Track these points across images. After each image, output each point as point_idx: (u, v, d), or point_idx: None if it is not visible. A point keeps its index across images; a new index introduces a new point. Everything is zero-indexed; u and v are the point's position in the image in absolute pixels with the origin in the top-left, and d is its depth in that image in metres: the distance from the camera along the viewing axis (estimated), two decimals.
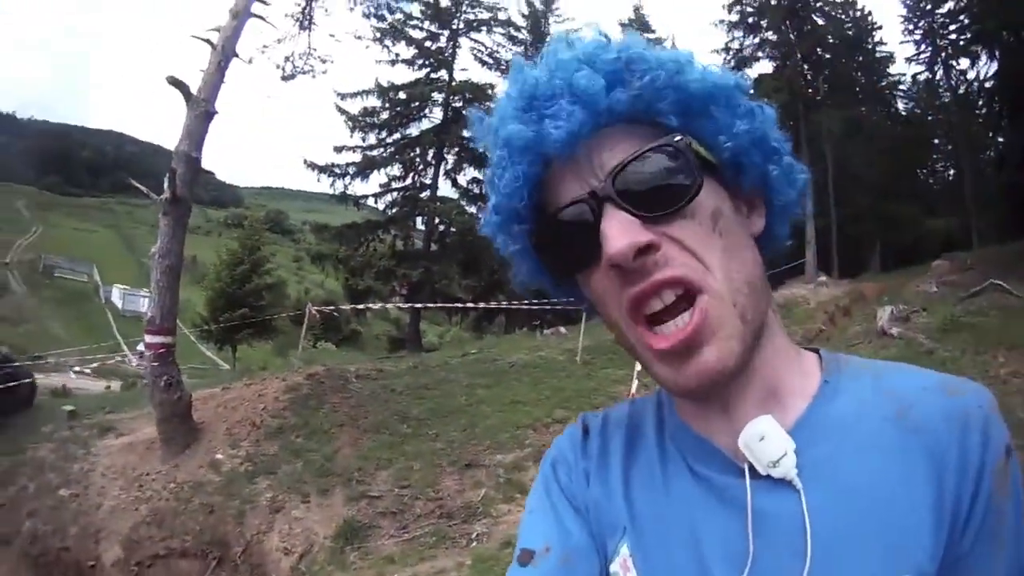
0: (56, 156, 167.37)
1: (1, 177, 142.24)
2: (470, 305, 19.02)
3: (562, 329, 17.65)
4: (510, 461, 8.91)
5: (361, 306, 22.47)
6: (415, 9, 26.93)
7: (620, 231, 0.64)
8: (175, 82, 9.74)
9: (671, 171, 0.66)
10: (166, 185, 9.44)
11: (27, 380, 11.85)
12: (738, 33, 28.57)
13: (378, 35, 25.95)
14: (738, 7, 27.81)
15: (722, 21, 28.24)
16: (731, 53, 29.01)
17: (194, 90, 9.95)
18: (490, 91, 26.98)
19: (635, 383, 5.81)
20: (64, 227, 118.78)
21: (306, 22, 14.32)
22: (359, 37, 24.01)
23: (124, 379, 21.59)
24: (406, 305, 22.97)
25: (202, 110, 9.87)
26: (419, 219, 27.41)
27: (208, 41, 10.36)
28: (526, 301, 16.31)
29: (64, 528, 8.23)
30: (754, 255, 0.73)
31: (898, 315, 13.02)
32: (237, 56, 10.59)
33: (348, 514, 7.97)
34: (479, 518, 7.78)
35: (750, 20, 28.14)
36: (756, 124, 0.71)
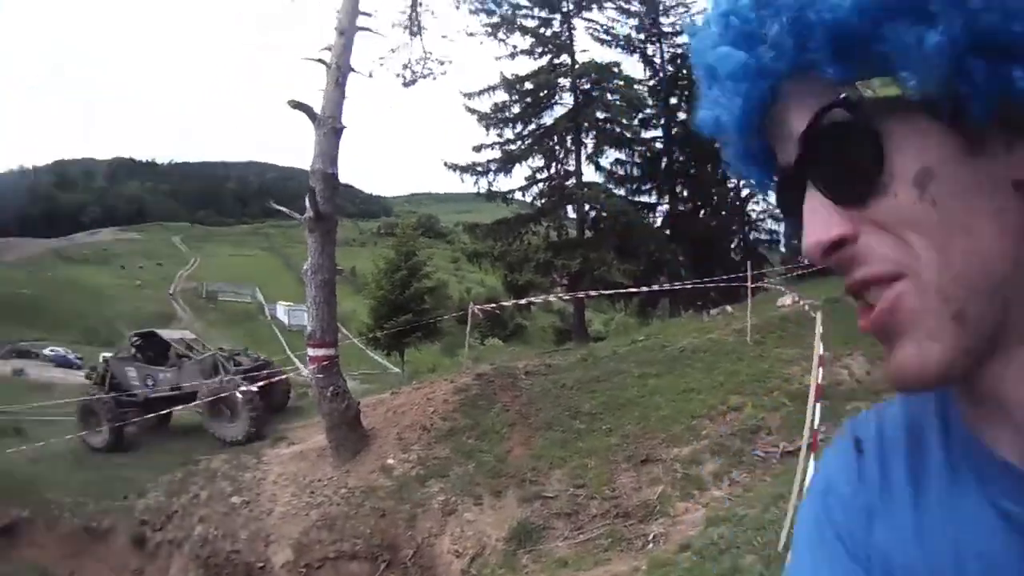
0: (203, 192, 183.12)
1: (154, 219, 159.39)
2: (632, 289, 18.24)
3: (729, 308, 16.56)
4: (687, 455, 8.20)
5: (523, 300, 22.29)
6: None
7: (811, 222, 0.51)
8: (298, 105, 9.96)
9: (848, 134, 0.49)
10: (308, 204, 9.76)
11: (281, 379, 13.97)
12: None
13: (490, 30, 25.49)
14: None
15: None
16: None
17: (318, 110, 10.18)
18: (616, 68, 26.13)
19: (817, 366, 4.94)
20: (221, 255, 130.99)
21: (415, 28, 14.30)
22: (472, 34, 23.88)
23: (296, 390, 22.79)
24: (567, 296, 22.47)
25: (329, 127, 10.12)
26: (569, 208, 26.71)
27: (322, 61, 10.57)
28: (688, 281, 15.40)
29: (234, 532, 8.60)
30: (1005, 224, 0.46)
31: None
32: (353, 70, 10.79)
33: (521, 515, 7.69)
34: (656, 517, 7.20)
35: None
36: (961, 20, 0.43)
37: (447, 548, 7.63)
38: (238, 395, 11.73)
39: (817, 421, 5.12)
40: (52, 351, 60.53)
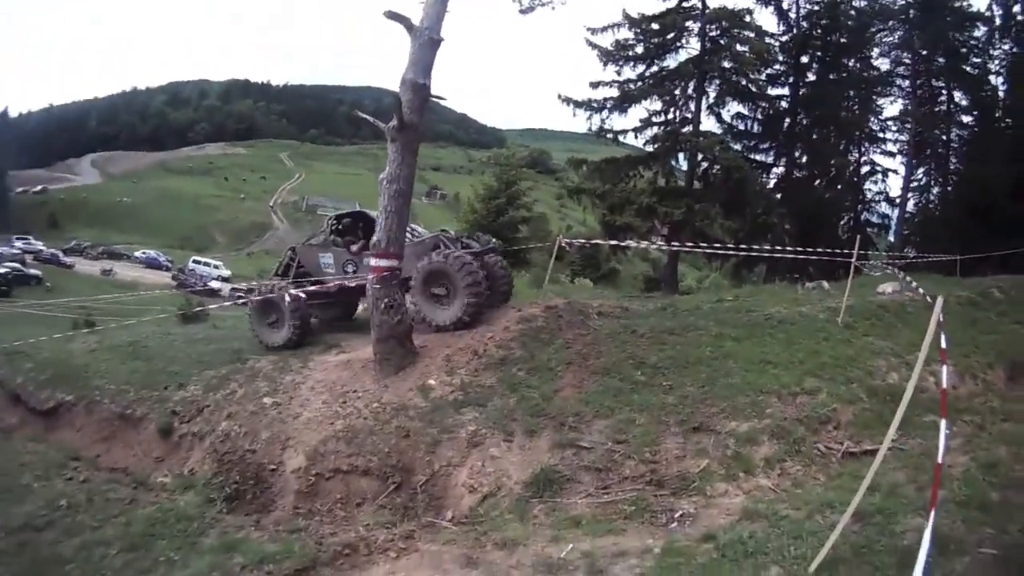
0: (316, 113, 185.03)
1: (264, 136, 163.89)
2: (730, 249, 17.17)
3: (825, 284, 15.36)
4: (744, 431, 7.35)
5: (614, 242, 21.52)
6: None
7: None
8: (394, 15, 9.57)
9: None
10: (394, 112, 9.41)
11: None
12: None
13: None
14: None
15: None
16: None
17: (416, 21, 9.79)
18: (748, 17, 24.43)
19: (920, 362, 4.05)
20: (327, 173, 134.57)
21: None
22: None
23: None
24: (663, 245, 21.54)
25: (426, 38, 9.73)
26: (681, 156, 25.56)
27: None
28: (790, 249, 14.24)
29: (257, 432, 8.43)
30: None
31: None
32: None
33: (549, 461, 7.15)
34: (691, 494, 6.47)
35: None
36: None
37: (463, 481, 7.18)
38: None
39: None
40: (143, 253, 64.73)
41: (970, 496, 5.30)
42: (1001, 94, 27.33)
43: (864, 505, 4.97)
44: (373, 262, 9.74)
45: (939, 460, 4.06)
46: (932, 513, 3.95)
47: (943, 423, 4.30)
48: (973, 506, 5.15)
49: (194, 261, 59.13)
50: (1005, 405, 8.52)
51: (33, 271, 47.42)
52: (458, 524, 6.52)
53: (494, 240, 14.54)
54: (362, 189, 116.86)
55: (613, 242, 21.54)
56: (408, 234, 11.89)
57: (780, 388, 8.21)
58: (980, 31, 27.04)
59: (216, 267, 58.47)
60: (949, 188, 28.84)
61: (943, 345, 4.56)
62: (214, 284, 49.22)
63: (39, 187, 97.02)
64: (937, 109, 28.58)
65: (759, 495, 6.37)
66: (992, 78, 27.73)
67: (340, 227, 13.19)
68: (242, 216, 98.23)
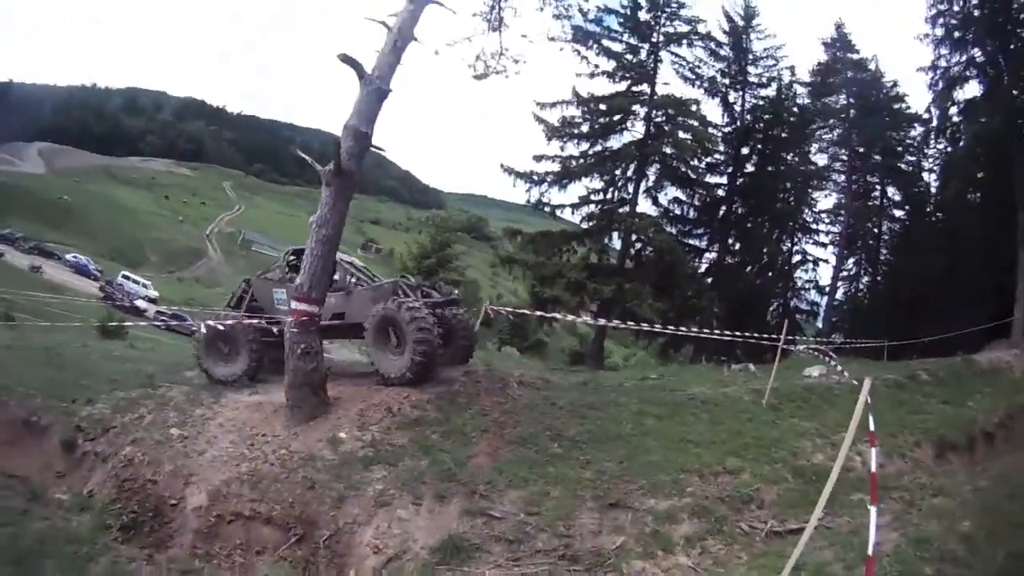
0: (264, 147, 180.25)
1: (210, 161, 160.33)
2: (657, 328, 17.33)
3: (752, 366, 15.62)
4: (663, 509, 7.25)
5: (540, 313, 21.58)
6: (613, 22, 25.95)
7: None
8: (347, 59, 9.66)
9: None
10: (333, 157, 9.44)
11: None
12: (944, 50, 24.47)
13: (571, 39, 25.12)
14: (941, 20, 23.83)
15: (927, 35, 24.40)
16: (937, 73, 24.87)
17: (368, 69, 9.90)
18: (694, 107, 25.56)
19: (849, 440, 4.01)
20: (267, 209, 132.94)
21: (495, 22, 13.64)
22: (552, 39, 23.18)
23: None
24: (590, 320, 21.71)
25: (375, 87, 9.83)
26: (615, 235, 26.21)
27: (384, 23, 10.32)
28: (718, 331, 14.49)
29: (160, 463, 8.09)
30: None
31: None
32: (416, 40, 10.50)
33: (458, 528, 6.92)
34: (606, 570, 6.32)
35: (955, 34, 23.91)
36: None
37: (367, 540, 6.87)
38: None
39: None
40: (74, 257, 62.04)
41: (902, 572, 5.33)
42: (933, 189, 28.90)
43: None
44: (294, 305, 9.52)
45: (870, 552, 3.98)
46: None
47: (873, 509, 4.25)
48: None
49: (124, 276, 56.67)
50: (934, 481, 8.61)
51: None
52: None
53: (456, 291, 14.15)
54: (300, 232, 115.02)
55: (540, 313, 21.66)
56: (367, 278, 12.05)
57: (702, 467, 8.16)
58: (916, 131, 28.73)
59: (145, 286, 56.22)
60: (879, 278, 30.25)
61: (871, 427, 4.56)
62: (140, 303, 47.13)
63: None
64: (870, 203, 30.11)
65: (679, 574, 6.26)
66: (925, 175, 29.47)
67: (296, 262, 12.09)
68: (178, 239, 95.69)
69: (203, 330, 11.42)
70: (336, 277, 9.88)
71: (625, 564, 6.34)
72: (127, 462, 8.14)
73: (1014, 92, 22.43)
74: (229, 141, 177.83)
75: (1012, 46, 22.70)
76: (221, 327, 11.15)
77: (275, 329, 11.02)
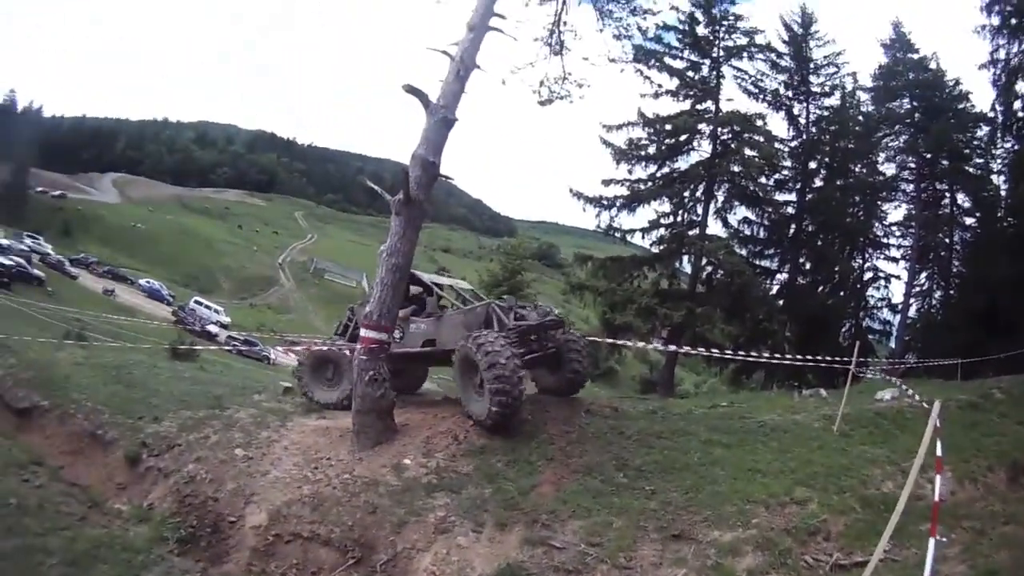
0: (334, 178, 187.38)
1: (282, 191, 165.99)
2: (728, 354, 16.94)
3: (823, 391, 15.12)
4: (727, 541, 7.02)
5: (611, 341, 21.34)
6: (672, 38, 25.61)
7: None
8: (412, 90, 9.85)
9: None
10: (401, 187, 9.59)
11: None
12: (1002, 40, 23.59)
13: (633, 57, 24.35)
14: (997, 7, 22.91)
15: (983, 27, 23.56)
16: (998, 66, 24.01)
17: (433, 99, 10.08)
18: (759, 122, 25.06)
19: (916, 468, 3.79)
20: (338, 239, 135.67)
21: (556, 46, 13.69)
22: (613, 60, 23.30)
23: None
24: (660, 347, 21.38)
25: (441, 116, 9.98)
26: (685, 258, 25.82)
27: (446, 52, 10.51)
28: (788, 356, 14.22)
29: (222, 481, 8.24)
30: None
31: None
32: (479, 68, 10.67)
33: (517, 558, 6.84)
34: None
35: (1013, 22, 22.99)
36: None
37: (425, 566, 6.86)
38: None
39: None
40: (148, 282, 64.88)
41: None
42: (1003, 192, 27.30)
43: None
44: (363, 333, 9.64)
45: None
46: None
47: (932, 541, 4.01)
48: None
49: (196, 301, 59.03)
50: (1007, 508, 8.15)
51: (37, 271, 47.35)
52: None
53: (557, 310, 12.39)
54: (371, 260, 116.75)
55: (610, 340, 21.35)
56: (455, 296, 12.24)
57: (768, 497, 7.90)
58: (982, 131, 27.40)
59: (217, 311, 58.34)
60: (951, 292, 28.69)
61: (939, 452, 4.32)
62: (212, 328, 48.89)
63: (59, 192, 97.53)
64: (940, 212, 28.73)
65: None
66: (994, 177, 27.94)
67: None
68: (250, 266, 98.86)
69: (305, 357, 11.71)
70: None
71: None
72: (189, 479, 8.34)
73: None
74: (300, 172, 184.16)
75: None
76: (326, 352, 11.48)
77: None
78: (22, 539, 5.21)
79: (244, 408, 10.49)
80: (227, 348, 35.74)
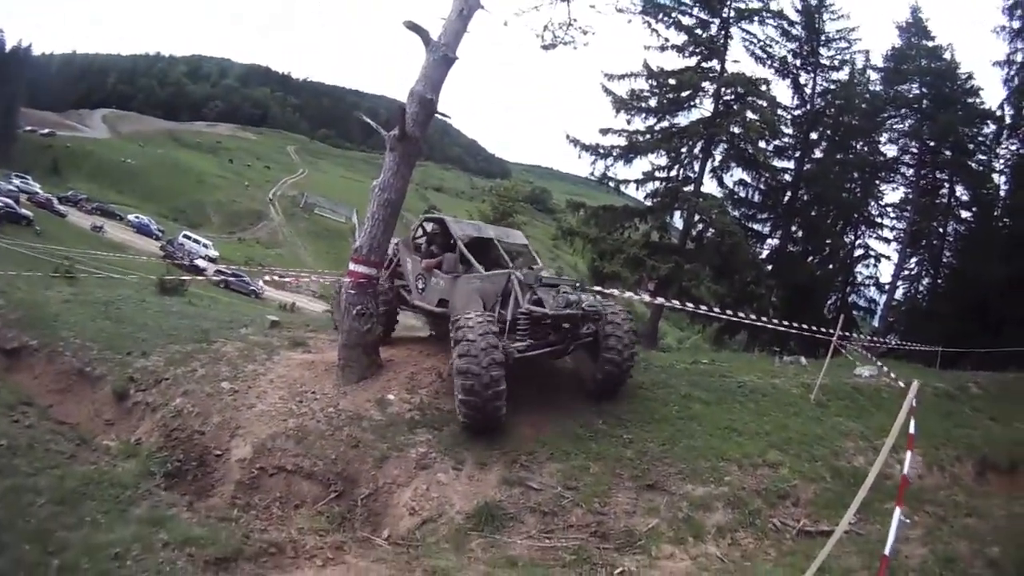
0: (329, 113, 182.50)
1: (275, 126, 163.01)
2: (714, 311, 17.11)
3: (803, 359, 15.40)
4: (699, 496, 7.27)
5: (599, 289, 21.55)
6: None
7: None
8: (413, 26, 9.67)
9: None
10: (397, 122, 9.43)
11: None
12: (1020, 44, 24.17)
13: (642, 9, 24.56)
14: (1019, 11, 23.24)
15: (1003, 28, 23.97)
16: (1013, 68, 24.58)
17: (435, 36, 9.90)
18: (764, 86, 24.74)
19: (889, 445, 3.88)
20: (331, 174, 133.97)
21: None
22: (621, 10, 22.77)
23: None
24: (647, 298, 21.57)
25: (441, 54, 9.80)
26: (677, 214, 25.70)
27: None
28: (774, 321, 14.41)
29: (209, 415, 8.22)
30: None
31: None
32: (483, 7, 10.37)
33: (495, 496, 6.98)
34: (635, 552, 6.32)
35: None
36: None
37: (404, 501, 6.99)
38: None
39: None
40: (137, 217, 64.26)
41: None
42: (1003, 192, 27.62)
43: None
44: (351, 267, 9.62)
45: (886, 551, 3.92)
46: None
47: (898, 510, 4.16)
48: None
49: (184, 236, 58.62)
50: (970, 500, 8.47)
51: (25, 211, 46.82)
52: (393, 544, 6.32)
53: (591, 294, 9.49)
54: (363, 196, 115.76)
55: (598, 288, 21.59)
56: (503, 251, 10.58)
57: (742, 457, 8.13)
58: (989, 128, 27.52)
59: (205, 246, 58.06)
60: (940, 281, 29.14)
61: (911, 431, 4.45)
62: (200, 262, 48.74)
63: (47, 130, 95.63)
64: (938, 201, 29.00)
65: (706, 562, 6.26)
66: (995, 176, 28.14)
67: (426, 232, 11.20)
68: (240, 201, 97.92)
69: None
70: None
71: (655, 547, 6.37)
72: (176, 413, 8.34)
73: None
74: (294, 107, 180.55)
75: None
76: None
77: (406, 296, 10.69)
78: (12, 479, 5.23)
79: (231, 342, 10.48)
80: (215, 281, 35.68)
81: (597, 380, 9.18)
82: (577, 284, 9.38)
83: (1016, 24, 23.81)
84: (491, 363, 7.56)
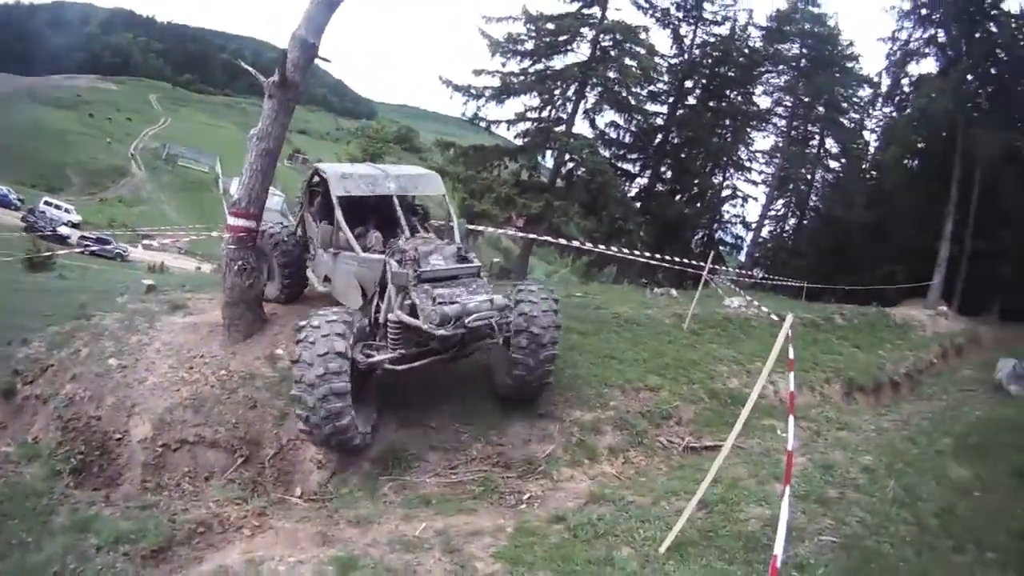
0: (193, 57, 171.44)
1: (137, 73, 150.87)
2: (587, 246, 17.66)
3: (673, 291, 16.38)
4: (588, 420, 7.81)
5: (469, 226, 21.72)
6: None
7: None
8: None
9: None
10: (277, 68, 8.90)
11: None
12: (908, 23, 27.09)
13: None
14: None
15: (893, 7, 26.82)
16: (897, 44, 27.42)
17: None
18: (642, 34, 25.63)
19: (769, 366, 4.44)
20: (194, 121, 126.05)
21: None
22: None
23: (217, 263, 22.23)
24: (519, 233, 22.13)
25: None
26: (549, 153, 26.50)
27: None
28: (647, 254, 15.08)
29: (102, 396, 7.78)
30: None
31: (1021, 372, 12.52)
32: None
33: (397, 440, 7.15)
34: (538, 477, 6.81)
35: (922, 11, 26.45)
36: None
37: (311, 456, 7.04)
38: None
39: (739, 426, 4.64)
40: None
41: (809, 491, 5.89)
42: (871, 149, 31.15)
43: (708, 495, 5.44)
44: (230, 221, 9.16)
45: (789, 447, 4.48)
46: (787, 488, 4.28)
47: (791, 419, 4.72)
48: (812, 500, 5.73)
49: (45, 202, 53.75)
50: (840, 416, 9.46)
51: None
52: (308, 501, 6.45)
53: (490, 291, 7.25)
54: (226, 143, 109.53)
55: (468, 226, 21.79)
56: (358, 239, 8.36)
57: (624, 383, 8.72)
58: (864, 92, 30.57)
59: (67, 211, 53.66)
60: (805, 222, 31.86)
61: (791, 355, 5.02)
62: (63, 230, 45.10)
63: None
64: (807, 150, 31.52)
65: (604, 481, 6.80)
66: (866, 134, 31.60)
67: (312, 186, 9.89)
68: (100, 158, 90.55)
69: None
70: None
71: (555, 471, 6.86)
72: (68, 401, 7.83)
73: (969, 76, 24.64)
74: (157, 52, 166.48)
75: (976, 34, 24.82)
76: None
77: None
78: None
79: (110, 313, 9.84)
80: (78, 251, 33.35)
81: (507, 384, 7.59)
82: (480, 272, 7.62)
83: (906, 5, 26.47)
84: (329, 394, 6.16)
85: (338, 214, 8.17)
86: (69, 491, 6.13)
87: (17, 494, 5.67)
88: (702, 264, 12.62)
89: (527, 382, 7.40)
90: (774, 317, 11.64)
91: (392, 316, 6.91)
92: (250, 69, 9.77)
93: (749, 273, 24.88)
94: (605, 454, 7.40)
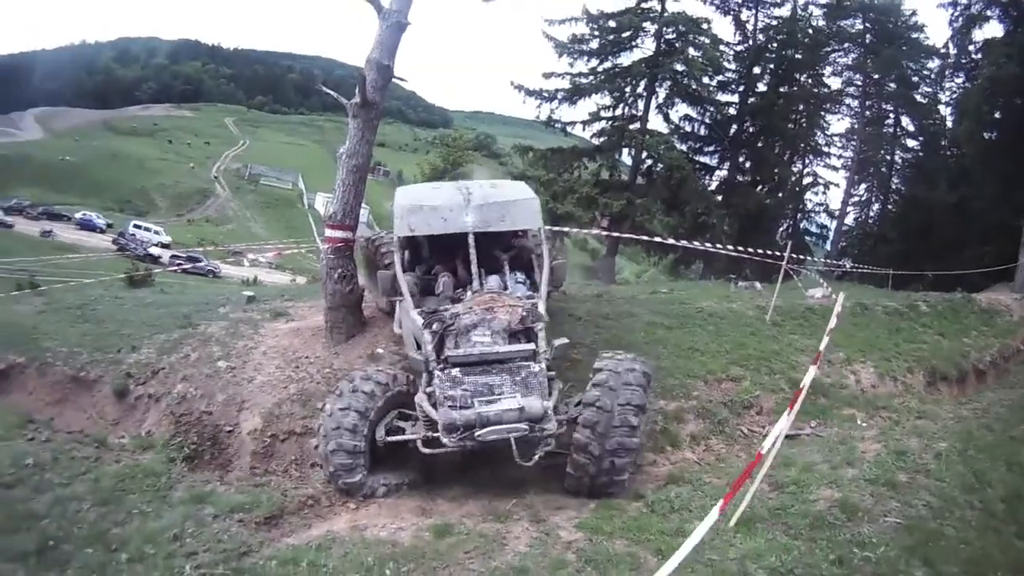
0: (264, 80, 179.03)
1: (210, 99, 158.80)
2: (670, 241, 17.68)
3: (758, 285, 16.25)
4: (672, 410, 8.06)
5: (554, 228, 22.06)
6: None
7: None
8: None
9: None
10: (357, 89, 9.59)
11: None
12: None
13: None
14: None
15: None
16: (958, 9, 25.97)
17: (385, 3, 9.97)
18: (705, 25, 25.39)
19: (823, 347, 4.58)
20: (272, 141, 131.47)
21: None
22: None
23: (310, 275, 22.93)
24: (604, 232, 22.24)
25: (394, 21, 9.88)
26: (626, 151, 26.52)
27: None
28: (730, 248, 15.07)
29: (212, 394, 8.45)
30: None
31: None
32: None
33: None
34: None
35: None
36: None
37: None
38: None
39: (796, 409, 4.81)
40: (82, 215, 62.03)
41: (879, 475, 5.93)
42: (949, 124, 29.00)
43: (781, 477, 5.72)
44: (327, 233, 9.90)
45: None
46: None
47: (812, 368, 5.04)
48: (881, 483, 5.77)
49: (135, 225, 57.52)
50: (921, 406, 9.33)
51: None
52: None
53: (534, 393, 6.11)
54: (306, 160, 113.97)
55: (554, 228, 22.09)
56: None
57: (707, 374, 8.93)
58: (934, 63, 28.81)
59: (157, 232, 57.11)
60: (889, 206, 30.43)
61: (823, 343, 5.13)
62: (154, 250, 48.01)
63: None
64: (884, 131, 30.19)
65: (685, 466, 7.05)
66: (941, 108, 29.53)
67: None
68: (184, 181, 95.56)
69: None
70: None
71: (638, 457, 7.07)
72: (180, 398, 8.47)
73: None
74: (227, 78, 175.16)
75: None
76: None
77: None
78: (51, 493, 5.40)
79: (214, 322, 10.58)
80: (171, 269, 35.34)
81: (568, 475, 6.10)
82: (538, 354, 6.38)
83: None
84: (338, 449, 6.11)
85: (396, 258, 7.74)
86: (185, 474, 6.61)
87: (136, 474, 6.10)
88: (782, 255, 12.56)
89: (583, 485, 5.99)
90: (846, 305, 11.40)
91: (417, 397, 6.26)
92: (331, 93, 10.53)
93: (837, 264, 24.28)
94: (687, 441, 7.64)
